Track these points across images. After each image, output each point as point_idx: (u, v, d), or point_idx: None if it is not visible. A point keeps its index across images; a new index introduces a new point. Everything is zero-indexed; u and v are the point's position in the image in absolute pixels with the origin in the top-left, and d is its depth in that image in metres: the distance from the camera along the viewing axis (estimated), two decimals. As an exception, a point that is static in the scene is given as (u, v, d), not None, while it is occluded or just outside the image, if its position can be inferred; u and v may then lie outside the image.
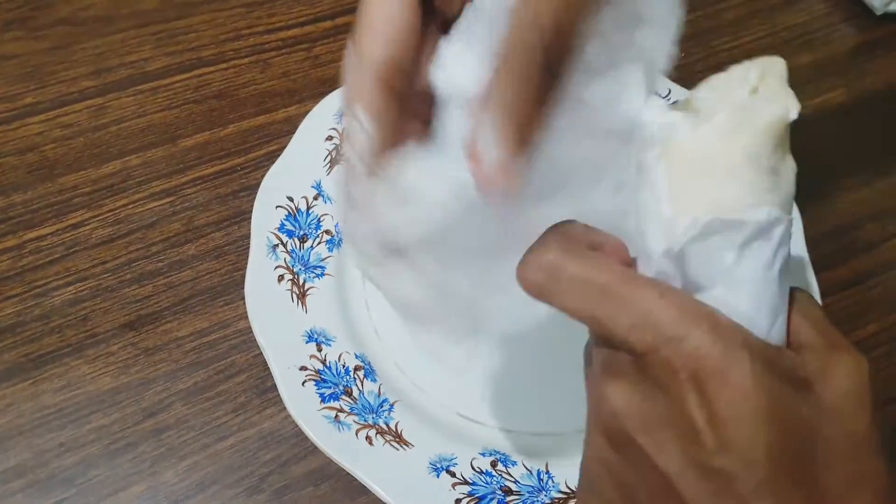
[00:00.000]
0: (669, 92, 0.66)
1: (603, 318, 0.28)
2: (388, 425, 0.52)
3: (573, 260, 0.29)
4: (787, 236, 0.29)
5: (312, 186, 0.60)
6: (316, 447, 0.50)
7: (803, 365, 0.28)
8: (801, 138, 0.67)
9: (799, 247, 0.59)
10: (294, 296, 0.55)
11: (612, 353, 0.29)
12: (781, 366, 0.27)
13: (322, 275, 0.57)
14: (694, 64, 0.73)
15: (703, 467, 0.27)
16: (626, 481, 0.29)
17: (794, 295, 0.30)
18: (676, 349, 0.26)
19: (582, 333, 0.32)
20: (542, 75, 0.28)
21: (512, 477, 0.51)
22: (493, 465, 0.51)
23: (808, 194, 0.65)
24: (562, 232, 0.30)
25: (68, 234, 0.60)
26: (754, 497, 0.26)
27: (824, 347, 0.29)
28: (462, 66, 0.30)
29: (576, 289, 0.28)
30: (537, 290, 0.29)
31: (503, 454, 0.52)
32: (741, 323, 0.28)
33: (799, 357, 0.28)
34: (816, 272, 0.59)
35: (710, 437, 0.26)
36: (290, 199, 0.59)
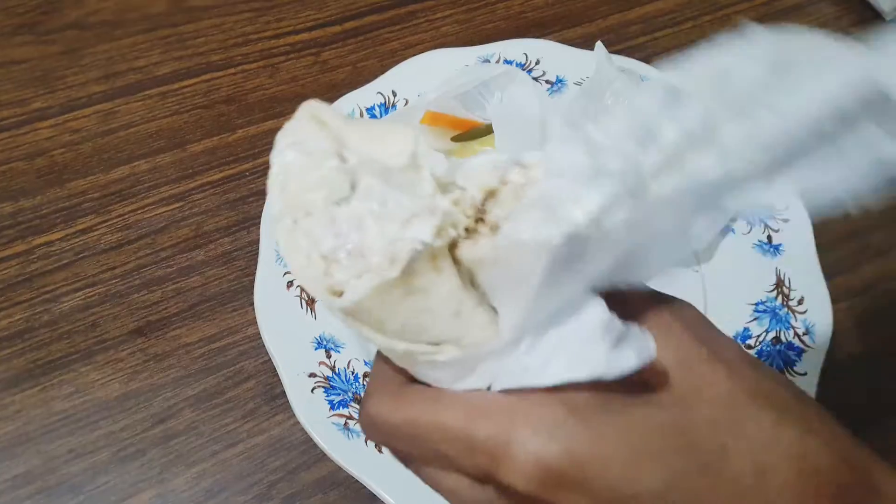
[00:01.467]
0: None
1: (437, 456, 0.27)
2: (397, 432, 0.52)
3: (386, 407, 0.27)
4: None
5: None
6: (325, 454, 0.50)
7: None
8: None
9: (809, 253, 0.59)
10: (303, 302, 0.55)
11: (475, 489, 0.27)
12: (610, 403, 0.25)
13: (331, 281, 0.57)
14: (703, 69, 0.73)
15: None
16: None
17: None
18: (510, 466, 0.24)
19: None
20: None
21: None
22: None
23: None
24: (375, 374, 0.29)
25: (77, 240, 0.59)
26: None
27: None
28: None
29: (400, 437, 0.27)
30: (382, 445, 0.29)
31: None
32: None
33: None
34: (827, 278, 0.58)
35: None
36: (299, 205, 0.58)
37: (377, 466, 0.50)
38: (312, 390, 0.52)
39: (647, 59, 0.68)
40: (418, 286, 0.25)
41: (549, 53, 0.68)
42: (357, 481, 0.50)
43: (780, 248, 0.60)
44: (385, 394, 0.28)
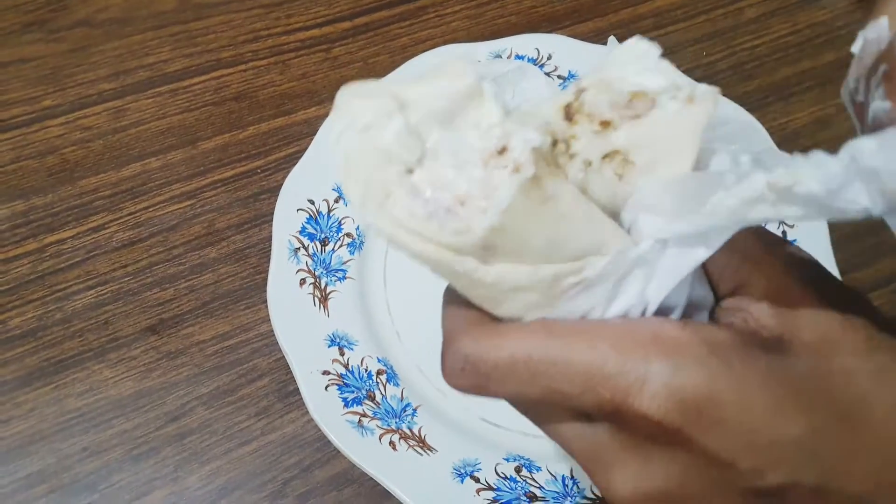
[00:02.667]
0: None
1: (550, 394, 0.25)
2: (411, 430, 0.52)
3: (485, 344, 0.25)
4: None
5: (333, 189, 0.59)
6: (339, 452, 0.50)
7: (757, 321, 0.25)
8: (826, 137, 0.67)
9: (824, 248, 0.59)
10: (316, 299, 0.55)
11: (583, 428, 0.26)
12: (749, 347, 0.24)
13: (344, 278, 0.57)
14: (716, 63, 0.72)
15: (758, 496, 0.24)
16: None
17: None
18: (646, 398, 0.23)
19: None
20: None
21: (537, 483, 0.51)
22: (518, 470, 0.51)
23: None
24: (455, 315, 0.27)
25: (89, 238, 0.59)
26: (831, 478, 0.24)
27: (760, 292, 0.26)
28: None
29: (506, 377, 0.25)
30: (474, 391, 0.26)
31: (527, 459, 0.52)
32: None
33: (748, 313, 0.25)
34: (842, 274, 0.58)
35: (746, 463, 0.24)
36: (311, 202, 0.58)
37: (391, 463, 0.50)
38: (326, 388, 0.52)
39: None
40: (549, 193, 0.23)
41: (560, 48, 0.67)
42: (371, 478, 0.50)
43: (795, 243, 0.59)
44: (481, 332, 0.25)
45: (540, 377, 0.24)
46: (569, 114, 0.25)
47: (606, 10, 0.75)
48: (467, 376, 0.25)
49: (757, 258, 0.26)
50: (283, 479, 0.52)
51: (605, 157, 0.25)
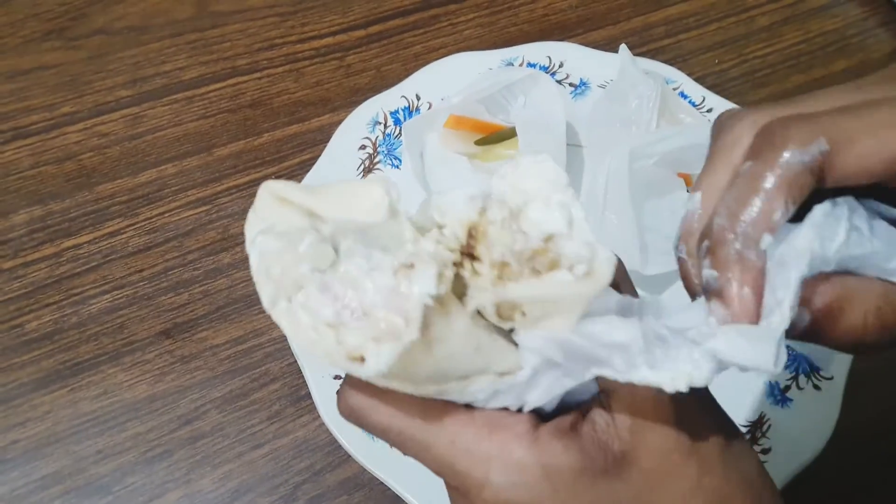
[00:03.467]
0: (704, 99, 0.65)
1: (414, 457, 0.29)
2: (421, 435, 0.52)
3: (367, 404, 0.29)
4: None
5: (346, 195, 0.60)
6: (350, 456, 0.50)
7: (607, 437, 0.28)
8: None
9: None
10: (328, 305, 0.56)
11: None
12: (585, 467, 0.27)
13: (355, 284, 0.57)
14: (728, 71, 0.72)
15: None
16: None
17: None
18: (479, 498, 0.27)
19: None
20: None
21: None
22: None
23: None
24: None
25: (105, 243, 0.60)
26: None
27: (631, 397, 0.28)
28: None
29: (380, 435, 0.29)
30: (359, 428, 0.30)
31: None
32: None
33: (602, 428, 0.28)
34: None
35: None
36: (324, 208, 0.59)
37: (401, 468, 0.50)
38: (338, 392, 0.52)
39: (671, 62, 0.68)
40: (436, 337, 0.25)
41: (572, 56, 0.68)
42: (381, 482, 0.50)
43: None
44: (368, 388, 0.28)
45: (407, 448, 0.29)
46: (472, 235, 0.26)
47: (618, 18, 0.75)
48: (353, 421, 0.29)
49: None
50: (295, 482, 0.53)
51: (499, 305, 0.26)
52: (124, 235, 0.61)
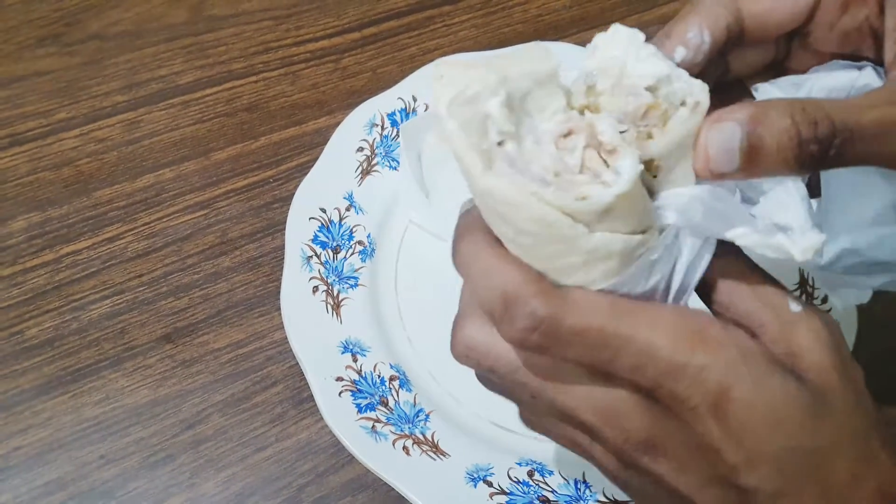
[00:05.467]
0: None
1: (603, 363, 0.28)
2: (424, 435, 0.52)
3: (561, 309, 0.28)
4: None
5: (344, 197, 0.60)
6: (353, 457, 0.51)
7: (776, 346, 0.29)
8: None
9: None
10: (329, 307, 0.56)
11: (601, 391, 0.30)
12: (772, 363, 0.28)
13: (356, 285, 0.57)
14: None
15: (724, 484, 0.28)
16: (647, 494, 0.31)
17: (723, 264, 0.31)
18: (679, 381, 0.27)
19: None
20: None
21: (549, 486, 0.51)
22: (530, 474, 0.51)
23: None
24: (511, 271, 0.29)
25: (104, 248, 0.60)
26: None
27: (781, 321, 0.29)
28: None
29: (574, 341, 0.28)
30: (537, 349, 0.29)
31: (540, 463, 0.52)
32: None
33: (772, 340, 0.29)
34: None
35: (729, 456, 0.28)
36: (323, 211, 0.59)
37: (405, 468, 0.50)
38: (340, 394, 0.52)
39: (665, 61, 0.68)
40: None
41: (567, 56, 0.68)
42: (385, 484, 0.50)
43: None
44: (553, 296, 0.28)
45: (606, 348, 0.28)
46: (591, 109, 0.30)
47: (612, 18, 0.75)
48: (539, 336, 0.28)
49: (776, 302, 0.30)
50: (299, 484, 0.53)
51: (644, 162, 0.28)
52: (123, 240, 0.61)
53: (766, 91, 0.34)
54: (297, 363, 0.54)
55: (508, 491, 0.50)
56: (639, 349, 0.27)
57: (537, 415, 0.34)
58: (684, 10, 0.34)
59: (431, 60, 0.68)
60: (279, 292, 0.56)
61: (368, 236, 0.59)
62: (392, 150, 0.63)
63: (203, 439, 0.54)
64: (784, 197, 0.29)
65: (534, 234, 0.27)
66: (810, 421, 0.28)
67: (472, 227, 0.30)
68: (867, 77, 0.33)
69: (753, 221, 0.29)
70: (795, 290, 0.58)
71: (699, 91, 0.29)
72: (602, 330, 0.28)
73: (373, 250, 0.59)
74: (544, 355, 0.29)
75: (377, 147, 0.63)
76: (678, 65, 0.30)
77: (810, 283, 0.58)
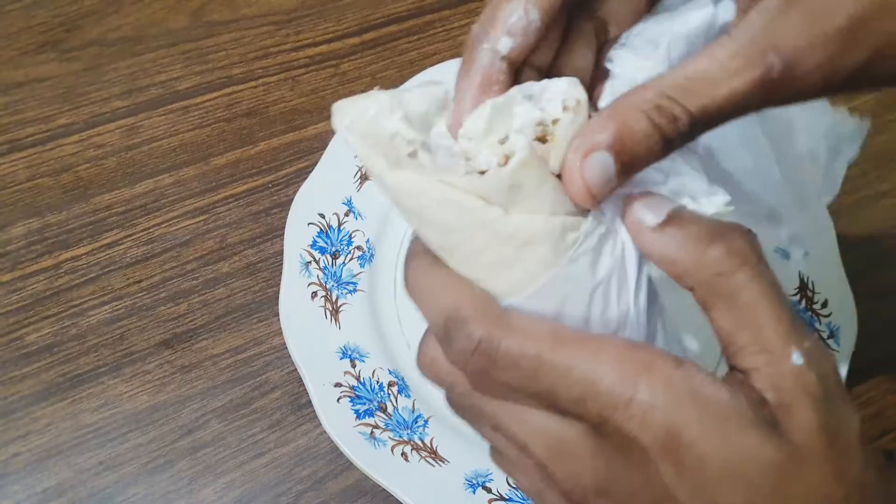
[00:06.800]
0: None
1: (544, 393, 0.27)
2: (423, 441, 0.52)
3: (499, 333, 0.27)
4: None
5: (343, 203, 0.60)
6: (352, 463, 0.50)
7: (759, 398, 0.26)
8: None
9: (832, 255, 0.59)
10: (327, 312, 0.56)
11: (553, 422, 0.28)
12: (735, 409, 0.26)
13: (354, 291, 0.57)
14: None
15: None
16: None
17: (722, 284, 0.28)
18: (625, 417, 0.26)
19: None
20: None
21: (548, 492, 0.51)
22: (530, 480, 0.51)
23: (841, 201, 0.64)
24: (457, 289, 0.28)
25: (103, 254, 0.60)
26: None
27: (775, 371, 0.26)
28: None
29: (511, 366, 0.27)
30: (478, 372, 0.28)
31: (539, 469, 0.52)
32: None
33: (750, 387, 0.27)
34: (851, 281, 0.58)
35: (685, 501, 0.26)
36: (322, 216, 0.59)
37: (403, 475, 0.50)
38: (338, 400, 0.52)
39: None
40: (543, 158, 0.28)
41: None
42: (384, 490, 0.50)
43: (808, 254, 0.59)
44: (494, 319, 0.27)
45: (543, 377, 0.27)
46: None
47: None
48: (476, 359, 0.27)
49: (776, 349, 0.27)
50: (297, 490, 0.53)
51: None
52: (122, 246, 0.61)
53: (621, 60, 0.32)
54: (296, 369, 0.54)
55: (507, 497, 0.50)
56: (578, 379, 0.26)
57: (501, 449, 0.31)
58: None
59: (431, 65, 0.67)
60: (278, 298, 0.56)
61: (367, 241, 0.59)
62: (391, 155, 0.63)
63: (202, 445, 0.54)
64: (680, 170, 0.29)
65: (454, 229, 0.28)
66: (782, 483, 0.26)
67: (417, 251, 0.30)
68: (725, 12, 0.31)
69: (662, 190, 0.29)
70: (795, 294, 0.58)
71: (571, 89, 0.28)
72: (539, 357, 0.27)
73: (372, 256, 0.59)
74: (488, 381, 0.28)
75: (376, 152, 0.62)
76: (504, 57, 0.30)
77: (810, 287, 0.58)
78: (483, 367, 0.27)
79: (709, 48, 0.27)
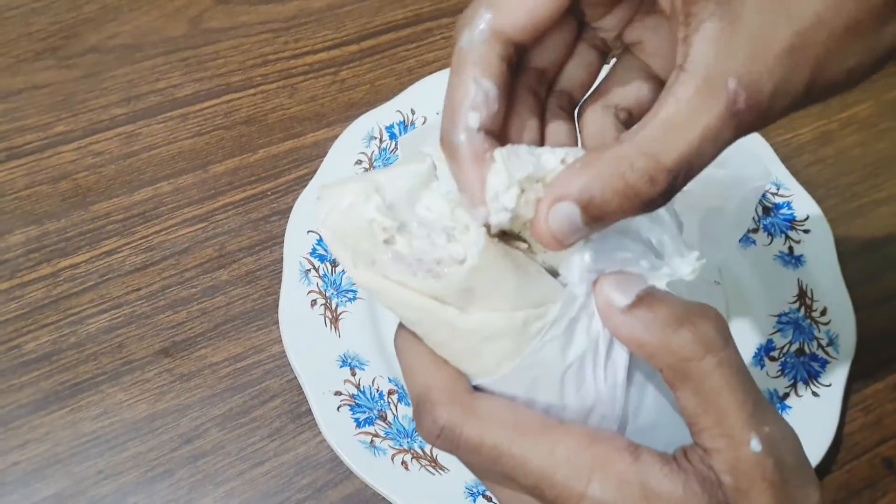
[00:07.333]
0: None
1: (505, 478, 0.28)
2: (423, 450, 0.52)
3: (460, 421, 0.28)
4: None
5: (343, 211, 0.60)
6: (352, 472, 0.51)
7: (717, 479, 0.27)
8: (829, 153, 0.67)
9: (831, 263, 0.59)
10: (327, 320, 0.56)
11: (521, 500, 0.29)
12: (693, 500, 0.27)
13: (354, 299, 0.57)
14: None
15: None
16: None
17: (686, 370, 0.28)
18: None
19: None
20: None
21: (549, 500, 0.51)
22: (530, 488, 0.51)
23: (838, 210, 0.64)
24: (429, 374, 0.30)
25: (102, 262, 0.60)
26: None
27: (734, 455, 0.27)
28: None
29: (472, 452, 0.28)
30: (443, 449, 0.29)
31: (539, 477, 0.52)
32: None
33: (709, 467, 0.27)
34: (849, 288, 0.58)
35: None
36: (321, 224, 0.59)
37: (403, 483, 0.50)
38: (338, 408, 0.52)
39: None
40: (507, 249, 0.29)
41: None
42: (384, 498, 0.50)
43: (802, 258, 0.60)
44: (457, 406, 0.28)
45: (500, 465, 0.28)
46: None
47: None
48: (441, 442, 0.29)
49: (736, 434, 0.27)
50: (297, 499, 0.52)
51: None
52: (121, 254, 0.60)
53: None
54: (296, 377, 0.54)
55: (508, 505, 0.50)
56: (534, 470, 0.27)
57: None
58: (453, 67, 0.30)
59: (430, 73, 0.68)
60: (277, 306, 0.56)
61: (367, 249, 0.59)
62: (390, 163, 0.63)
63: (201, 454, 0.54)
64: (655, 230, 0.30)
65: (418, 322, 0.29)
66: None
67: (403, 324, 0.31)
68: None
69: (638, 262, 0.29)
70: (794, 302, 0.58)
71: (549, 161, 0.28)
72: (496, 447, 0.28)
73: (371, 263, 0.59)
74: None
75: (375, 160, 0.63)
76: (479, 129, 0.29)
77: (809, 295, 0.58)
78: (448, 450, 0.29)
79: (671, 90, 0.27)
